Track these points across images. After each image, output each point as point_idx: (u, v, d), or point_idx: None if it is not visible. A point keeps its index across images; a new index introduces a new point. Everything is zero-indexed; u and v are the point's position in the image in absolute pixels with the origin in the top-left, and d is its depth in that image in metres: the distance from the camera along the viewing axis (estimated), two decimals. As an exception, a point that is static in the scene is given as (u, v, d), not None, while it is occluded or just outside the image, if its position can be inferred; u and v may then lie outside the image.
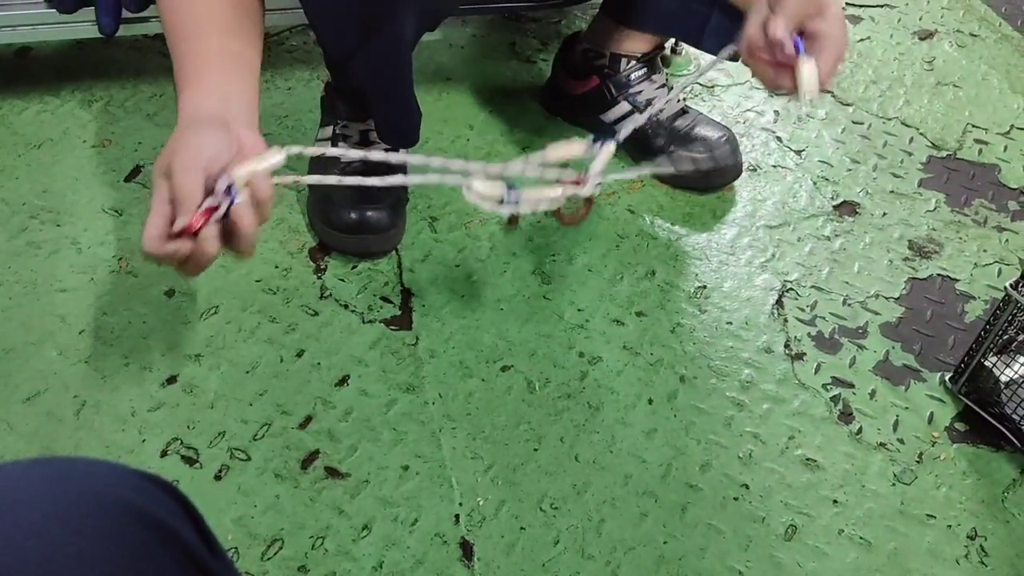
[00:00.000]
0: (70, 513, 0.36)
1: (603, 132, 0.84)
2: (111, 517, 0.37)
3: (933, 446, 0.94)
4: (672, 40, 1.36)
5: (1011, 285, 0.89)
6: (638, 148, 1.21)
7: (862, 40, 1.48)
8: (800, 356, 1.02)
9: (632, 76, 1.19)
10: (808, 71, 0.78)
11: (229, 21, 0.81)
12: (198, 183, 0.68)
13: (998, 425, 0.94)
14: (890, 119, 1.34)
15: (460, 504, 0.86)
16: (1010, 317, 0.90)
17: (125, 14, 1.11)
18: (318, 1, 0.89)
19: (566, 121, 1.28)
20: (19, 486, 0.37)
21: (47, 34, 1.13)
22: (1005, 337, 0.94)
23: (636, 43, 1.18)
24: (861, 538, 0.87)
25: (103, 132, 1.20)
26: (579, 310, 1.05)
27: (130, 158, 1.17)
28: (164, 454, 0.89)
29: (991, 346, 0.93)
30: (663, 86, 1.20)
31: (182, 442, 0.89)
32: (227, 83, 0.79)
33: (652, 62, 1.20)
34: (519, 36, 1.44)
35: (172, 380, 0.94)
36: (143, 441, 0.89)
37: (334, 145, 1.08)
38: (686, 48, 1.38)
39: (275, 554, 0.82)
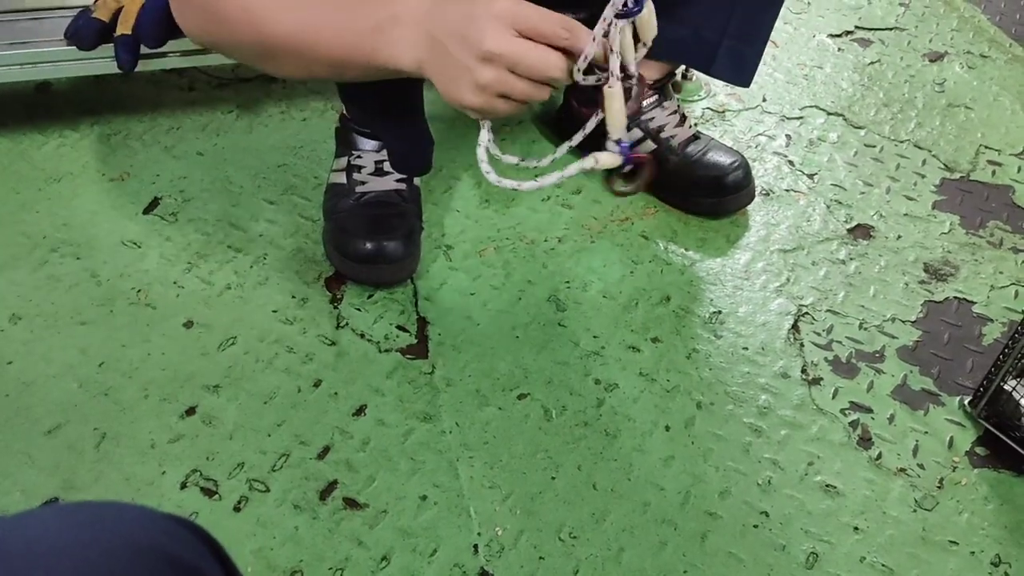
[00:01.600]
0: (103, 560, 0.37)
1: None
2: (144, 563, 0.38)
3: (954, 471, 0.94)
4: (683, 67, 1.37)
5: (1029, 308, 0.88)
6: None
7: (872, 63, 1.48)
8: (817, 381, 1.02)
9: (644, 103, 1.20)
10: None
11: None
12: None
13: (1019, 449, 0.94)
14: (902, 141, 1.34)
15: (479, 534, 0.86)
16: (1029, 340, 0.90)
17: (143, 50, 1.13)
18: None
19: (578, 148, 1.29)
20: (50, 534, 0.37)
21: (67, 70, 1.15)
22: (1024, 360, 0.94)
23: (647, 70, 1.19)
24: (883, 565, 0.86)
25: (121, 165, 1.22)
26: (594, 337, 1.05)
27: (148, 191, 1.19)
28: (184, 486, 0.89)
29: (1010, 370, 0.93)
30: (675, 112, 1.21)
31: (201, 474, 0.90)
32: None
33: (663, 89, 1.21)
34: (531, 64, 1.45)
35: (191, 411, 0.95)
36: (163, 473, 0.90)
37: (348, 176, 1.09)
38: (696, 74, 1.39)
39: (294, 586, 0.82)
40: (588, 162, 0.86)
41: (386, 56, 0.76)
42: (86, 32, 1.09)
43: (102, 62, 1.14)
